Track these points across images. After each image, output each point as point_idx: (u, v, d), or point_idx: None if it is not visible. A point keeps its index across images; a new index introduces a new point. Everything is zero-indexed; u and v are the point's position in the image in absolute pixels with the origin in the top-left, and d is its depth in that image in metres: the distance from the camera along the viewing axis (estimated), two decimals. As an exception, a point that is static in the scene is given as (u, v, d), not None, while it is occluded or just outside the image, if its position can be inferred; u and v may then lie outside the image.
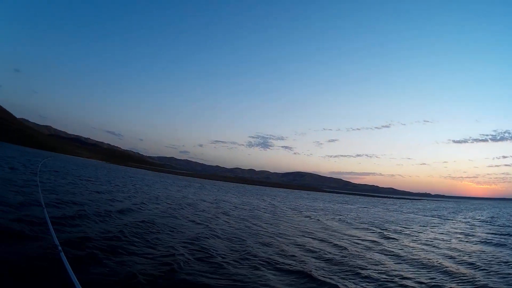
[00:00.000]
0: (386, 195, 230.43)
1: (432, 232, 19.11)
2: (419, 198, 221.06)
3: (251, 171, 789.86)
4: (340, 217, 25.12)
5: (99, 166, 78.18)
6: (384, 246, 12.65)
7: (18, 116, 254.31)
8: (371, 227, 18.98)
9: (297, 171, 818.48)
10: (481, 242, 15.62)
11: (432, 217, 33.24)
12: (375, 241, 13.96)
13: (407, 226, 21.28)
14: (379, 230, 17.55)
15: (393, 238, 14.85)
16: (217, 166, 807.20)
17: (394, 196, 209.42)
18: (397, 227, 20.11)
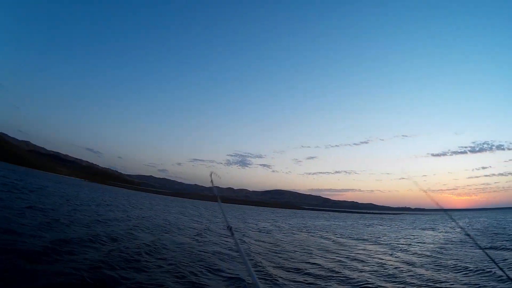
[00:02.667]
0: (366, 211, 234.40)
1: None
2: (399, 212, 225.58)
3: (230, 189, 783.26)
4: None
5: (83, 186, 77.45)
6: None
7: None
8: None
9: (276, 189, 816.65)
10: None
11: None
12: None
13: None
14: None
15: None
16: (195, 184, 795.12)
17: (374, 212, 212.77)
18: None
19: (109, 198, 39.67)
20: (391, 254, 14.06)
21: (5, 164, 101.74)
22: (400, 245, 17.64)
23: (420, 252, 14.84)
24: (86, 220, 14.17)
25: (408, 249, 15.82)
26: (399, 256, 13.43)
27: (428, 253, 14.49)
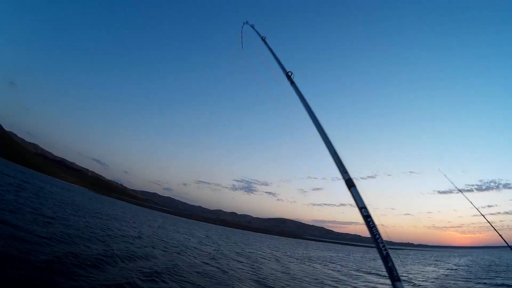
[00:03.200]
0: (369, 245, 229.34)
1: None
2: (402, 248, 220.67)
3: (233, 214, 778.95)
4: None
5: (90, 196, 76.71)
6: None
7: (7, 129, 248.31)
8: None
9: (280, 217, 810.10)
10: None
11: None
12: None
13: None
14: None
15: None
16: (199, 206, 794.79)
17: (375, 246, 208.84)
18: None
19: (119, 212, 38.57)
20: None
21: (12, 164, 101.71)
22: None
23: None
24: (98, 234, 13.20)
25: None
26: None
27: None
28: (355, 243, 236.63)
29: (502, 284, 15.69)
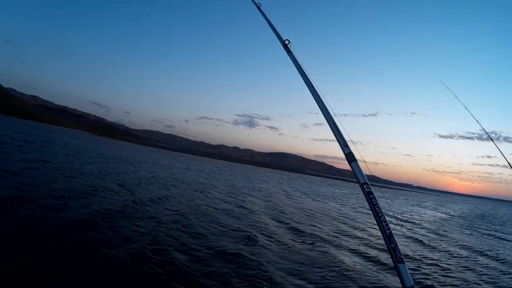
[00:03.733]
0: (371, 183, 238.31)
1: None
2: (401, 188, 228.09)
3: (236, 149, 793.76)
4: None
5: (93, 140, 77.57)
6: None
7: (6, 85, 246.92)
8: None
9: (282, 151, 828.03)
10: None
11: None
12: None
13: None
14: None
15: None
16: (202, 142, 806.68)
17: (376, 184, 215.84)
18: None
19: (128, 155, 39.28)
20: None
21: (14, 119, 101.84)
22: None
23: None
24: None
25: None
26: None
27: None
28: (354, 180, 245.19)
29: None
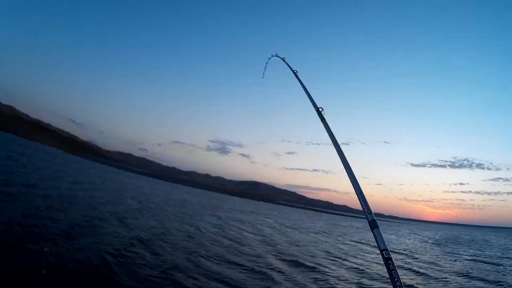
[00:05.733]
0: (340, 212, 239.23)
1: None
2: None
3: (207, 176, 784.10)
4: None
5: (70, 160, 75.35)
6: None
7: None
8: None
9: (253, 180, 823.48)
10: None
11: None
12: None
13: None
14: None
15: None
16: (173, 167, 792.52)
17: (347, 214, 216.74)
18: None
19: (100, 178, 38.64)
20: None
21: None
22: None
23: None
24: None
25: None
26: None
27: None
28: (327, 210, 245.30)
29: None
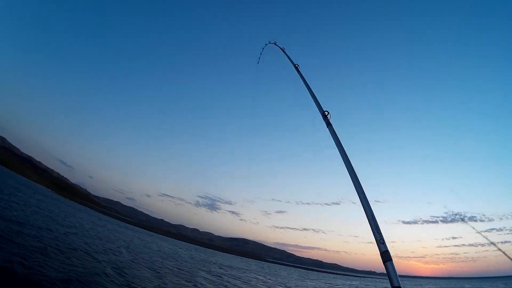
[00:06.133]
0: (330, 271, 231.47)
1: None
2: (363, 276, 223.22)
3: (195, 230, 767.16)
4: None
5: (57, 200, 73.91)
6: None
7: None
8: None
9: (242, 237, 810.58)
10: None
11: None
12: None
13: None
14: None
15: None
16: (162, 219, 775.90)
17: (338, 272, 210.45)
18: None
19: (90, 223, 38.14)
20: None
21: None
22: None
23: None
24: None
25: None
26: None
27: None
28: (316, 268, 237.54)
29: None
